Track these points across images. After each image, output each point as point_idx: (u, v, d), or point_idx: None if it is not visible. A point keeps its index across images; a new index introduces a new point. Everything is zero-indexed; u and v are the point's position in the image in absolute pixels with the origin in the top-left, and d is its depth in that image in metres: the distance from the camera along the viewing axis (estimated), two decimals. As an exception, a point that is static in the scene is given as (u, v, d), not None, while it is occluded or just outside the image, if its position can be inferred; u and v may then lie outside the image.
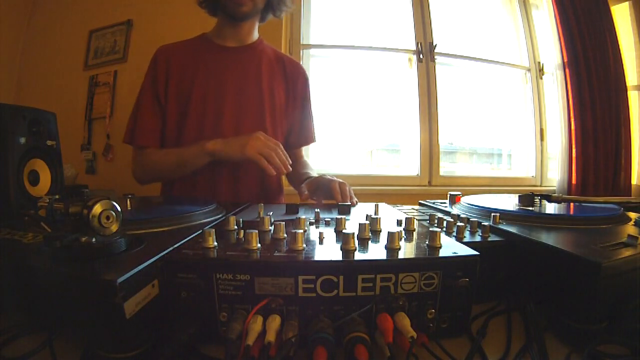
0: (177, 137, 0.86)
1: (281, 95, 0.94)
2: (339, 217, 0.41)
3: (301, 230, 0.32)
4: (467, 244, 0.34)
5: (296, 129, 0.99)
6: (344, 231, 0.37)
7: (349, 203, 0.63)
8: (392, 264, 0.29)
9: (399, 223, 0.44)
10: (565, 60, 1.70)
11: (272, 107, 0.92)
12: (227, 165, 0.85)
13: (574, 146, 1.70)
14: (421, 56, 1.74)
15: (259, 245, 0.32)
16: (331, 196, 0.70)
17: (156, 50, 0.90)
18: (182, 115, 0.86)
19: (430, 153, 1.74)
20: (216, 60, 0.89)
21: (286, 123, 0.97)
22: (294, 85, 0.97)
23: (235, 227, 0.40)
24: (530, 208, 0.56)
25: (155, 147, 0.87)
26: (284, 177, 1.01)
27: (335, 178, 0.75)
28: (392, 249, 0.31)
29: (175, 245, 0.33)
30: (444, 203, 0.69)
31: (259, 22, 0.95)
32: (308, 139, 1.01)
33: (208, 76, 0.87)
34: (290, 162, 0.73)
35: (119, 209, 0.30)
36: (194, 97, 0.85)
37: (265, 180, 0.92)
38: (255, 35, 0.95)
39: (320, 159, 1.70)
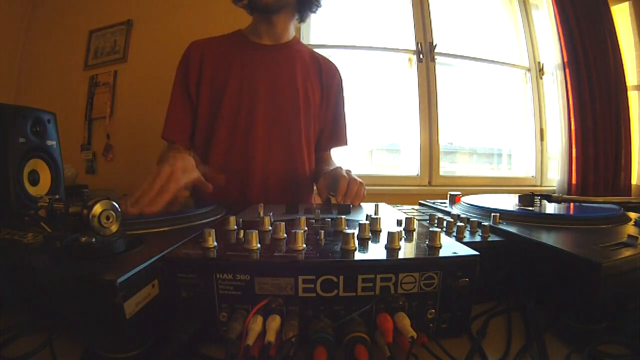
0: (208, 135, 0.85)
1: (316, 96, 0.93)
2: (339, 217, 0.41)
3: (301, 230, 0.32)
4: (467, 244, 0.34)
5: (328, 131, 0.98)
6: (344, 231, 0.37)
7: (348, 204, 0.62)
8: (392, 264, 0.29)
9: (399, 223, 0.44)
10: (565, 60, 1.70)
11: (307, 106, 0.91)
12: (258, 165, 0.84)
13: (574, 146, 1.70)
14: (421, 56, 1.74)
15: (259, 245, 0.32)
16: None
17: (189, 45, 0.89)
18: (214, 114, 0.84)
19: (430, 153, 1.74)
20: (250, 57, 0.87)
21: (319, 124, 0.96)
22: (328, 86, 0.96)
23: (235, 227, 0.40)
24: (530, 208, 0.56)
25: (183, 144, 0.85)
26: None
27: (349, 175, 0.70)
28: (392, 249, 0.31)
29: (175, 245, 0.33)
30: (444, 203, 0.69)
31: (298, 21, 0.95)
32: (340, 140, 1.00)
33: (242, 73, 0.86)
34: (157, 210, 0.48)
35: (118, 209, 0.30)
36: (227, 94, 0.84)
37: (298, 181, 0.91)
38: (291, 34, 0.94)
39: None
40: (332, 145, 1.00)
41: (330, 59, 1.01)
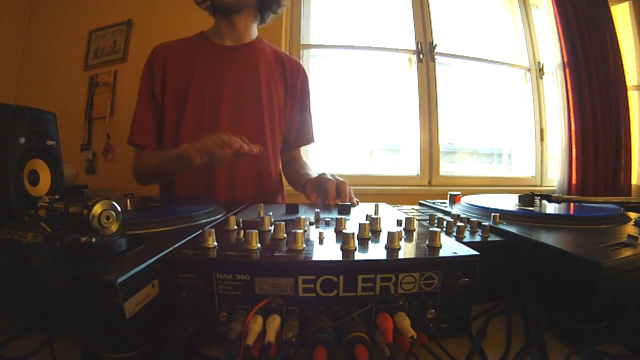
0: (174, 137, 0.85)
1: (280, 95, 0.94)
2: (339, 217, 0.41)
3: (301, 230, 0.32)
4: (467, 244, 0.34)
5: (295, 129, 0.99)
6: (344, 231, 0.37)
7: (349, 203, 0.63)
8: (392, 264, 0.29)
9: (399, 223, 0.44)
10: (565, 60, 1.70)
11: (271, 106, 0.91)
12: (224, 165, 0.85)
13: (574, 146, 1.70)
14: (421, 56, 1.74)
15: (259, 245, 0.32)
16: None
17: (153, 49, 0.90)
18: (179, 115, 0.85)
19: (430, 153, 1.74)
20: (213, 59, 0.88)
21: (285, 123, 0.97)
22: (292, 84, 0.96)
23: (235, 227, 0.40)
24: (530, 208, 0.56)
25: (152, 147, 0.86)
26: (283, 177, 1.01)
27: (334, 177, 0.72)
28: (392, 249, 0.31)
29: (175, 245, 0.33)
30: (444, 203, 0.69)
31: (260, 22, 0.95)
32: (307, 139, 1.01)
33: (205, 75, 0.86)
34: (254, 148, 0.62)
35: (119, 209, 0.30)
36: (190, 96, 0.85)
37: (264, 180, 0.92)
38: (254, 34, 0.95)
39: (321, 158, 1.71)
40: (301, 143, 1.01)
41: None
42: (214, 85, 0.86)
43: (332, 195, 0.67)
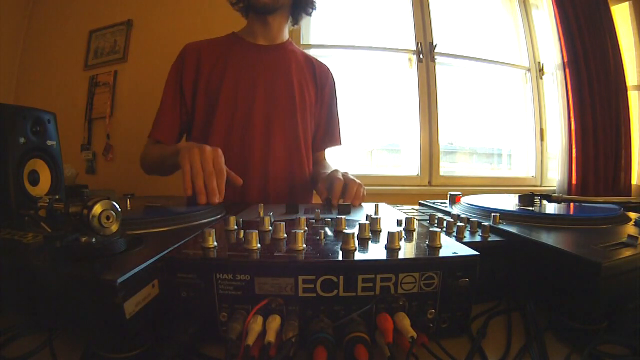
0: (204, 135, 0.85)
1: (312, 96, 0.94)
2: (339, 217, 0.41)
3: (301, 230, 0.32)
4: (467, 244, 0.34)
5: (322, 131, 0.99)
6: (344, 231, 0.37)
7: (349, 203, 0.62)
8: (392, 264, 0.29)
9: (399, 223, 0.44)
10: (565, 60, 1.70)
11: (303, 105, 0.91)
12: (256, 164, 0.85)
13: (574, 146, 1.70)
14: (421, 56, 1.74)
15: (259, 245, 0.32)
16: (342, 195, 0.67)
17: (184, 47, 0.90)
18: (211, 114, 0.85)
19: (430, 153, 1.74)
20: (247, 57, 0.88)
21: (314, 123, 0.97)
22: (322, 87, 0.97)
23: (235, 227, 0.40)
24: (530, 208, 0.56)
25: (171, 144, 0.86)
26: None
27: (345, 176, 0.70)
28: (392, 249, 0.31)
29: (175, 245, 0.33)
30: (444, 203, 0.69)
31: (292, 23, 0.96)
32: (333, 140, 1.01)
33: (239, 72, 0.86)
34: (221, 199, 0.59)
35: (119, 209, 0.30)
36: (223, 94, 0.84)
37: (296, 180, 0.91)
38: (286, 35, 0.96)
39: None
40: (327, 145, 1.01)
41: (325, 61, 1.03)
42: (247, 84, 0.86)
43: (336, 195, 0.65)
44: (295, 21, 0.96)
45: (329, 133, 1.00)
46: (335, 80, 1.01)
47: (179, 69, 0.87)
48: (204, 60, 0.87)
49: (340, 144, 1.02)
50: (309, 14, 0.95)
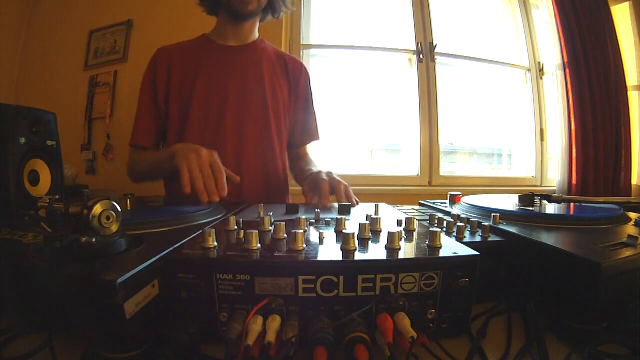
0: (178, 139, 0.86)
1: (284, 94, 0.94)
2: (339, 217, 0.41)
3: (301, 230, 0.32)
4: (467, 244, 0.34)
5: (299, 127, 0.99)
6: (344, 231, 0.37)
7: (349, 203, 0.62)
8: (392, 264, 0.29)
9: (399, 223, 0.44)
10: (565, 60, 1.70)
11: (275, 105, 0.91)
12: (230, 165, 0.84)
13: (574, 146, 1.70)
14: (421, 56, 1.74)
15: (259, 245, 0.32)
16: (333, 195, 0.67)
17: (155, 52, 0.90)
18: (184, 117, 0.85)
19: (430, 153, 1.74)
20: (217, 60, 0.88)
21: (289, 121, 0.97)
22: (296, 83, 0.96)
23: (235, 227, 0.40)
24: (530, 208, 0.56)
25: (151, 149, 0.87)
26: (290, 176, 1.01)
27: (330, 176, 0.70)
28: (392, 249, 0.31)
29: (175, 245, 0.33)
30: (444, 203, 0.69)
31: (259, 21, 0.95)
32: (312, 136, 1.01)
33: (210, 76, 0.87)
34: (225, 193, 0.60)
35: (118, 209, 0.30)
36: (195, 97, 0.85)
37: (271, 179, 0.92)
38: (256, 34, 0.95)
39: (321, 158, 1.70)
40: (306, 140, 1.01)
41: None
42: (219, 86, 0.86)
43: (325, 195, 0.64)
44: (262, 19, 0.95)
45: (306, 128, 0.99)
46: (309, 75, 1.00)
47: (152, 73, 0.87)
48: (175, 64, 0.87)
49: (319, 138, 1.02)
50: (277, 17, 0.95)
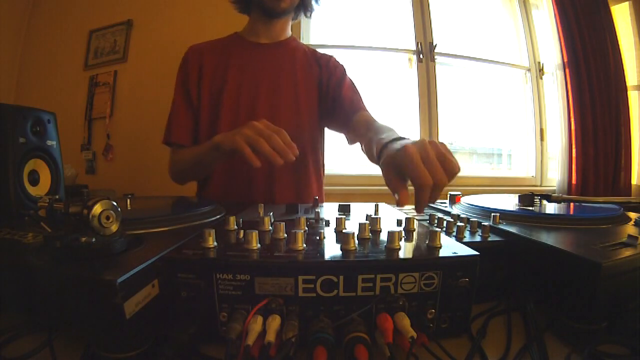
0: (210, 135, 0.84)
1: (316, 91, 0.92)
2: (339, 217, 0.41)
3: (301, 230, 0.32)
4: (467, 244, 0.34)
5: (346, 105, 0.89)
6: (344, 231, 0.37)
7: (349, 203, 0.58)
8: (392, 264, 0.29)
9: (399, 223, 0.44)
10: (565, 60, 1.70)
11: (308, 103, 0.90)
12: (263, 165, 0.79)
13: (574, 146, 1.70)
14: (421, 56, 1.74)
15: (259, 245, 0.32)
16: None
17: (187, 50, 0.90)
18: (215, 114, 0.85)
19: (430, 153, 1.73)
20: (249, 57, 0.88)
21: (334, 105, 0.90)
22: (329, 78, 0.93)
23: (235, 227, 0.40)
24: (530, 208, 0.57)
25: (188, 145, 0.85)
26: (322, 174, 0.96)
27: (425, 148, 0.39)
28: (392, 249, 0.31)
29: (176, 245, 0.33)
30: (444, 203, 0.69)
31: (292, 19, 0.95)
32: (359, 108, 0.89)
33: (241, 72, 0.86)
34: (296, 151, 0.55)
35: (118, 209, 0.30)
36: (226, 94, 0.84)
37: (301, 177, 0.90)
38: (289, 32, 0.95)
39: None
40: (355, 110, 0.87)
41: (330, 55, 1.00)
42: (250, 83, 0.86)
43: (421, 201, 0.40)
44: (295, 17, 0.95)
45: (354, 102, 0.89)
46: (345, 67, 0.97)
47: (184, 72, 0.87)
48: (206, 62, 0.87)
49: (366, 110, 0.89)
50: (309, 16, 0.95)
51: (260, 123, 0.57)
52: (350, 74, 0.98)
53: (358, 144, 0.79)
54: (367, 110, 0.88)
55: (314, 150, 0.94)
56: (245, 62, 0.87)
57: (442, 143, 0.41)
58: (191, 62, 0.87)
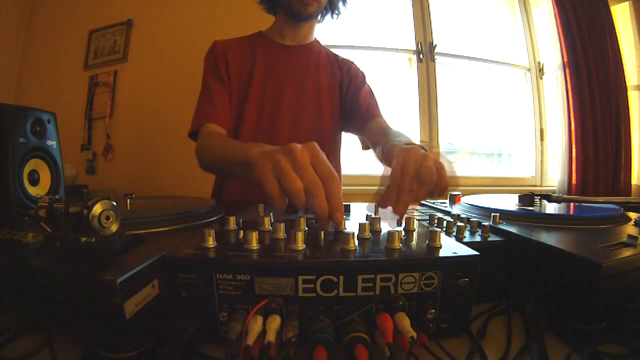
0: (234, 132, 0.84)
1: (339, 96, 0.93)
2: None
3: (301, 230, 0.32)
4: (467, 244, 0.34)
5: (363, 110, 0.90)
6: (344, 231, 0.37)
7: (349, 203, 0.55)
8: (392, 264, 0.29)
9: (398, 223, 0.44)
10: (565, 60, 1.70)
11: (331, 105, 0.90)
12: None
13: (574, 146, 1.70)
14: (421, 56, 1.74)
15: (259, 245, 0.32)
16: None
17: (212, 44, 0.88)
18: (240, 109, 0.84)
19: (430, 153, 1.74)
20: (274, 57, 0.88)
21: (352, 111, 0.91)
22: (349, 83, 0.94)
23: (235, 227, 0.40)
24: (530, 208, 0.56)
25: (223, 126, 0.80)
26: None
27: (413, 147, 0.43)
28: (392, 249, 0.31)
29: (176, 245, 0.33)
30: (444, 203, 0.69)
31: (317, 22, 0.95)
32: (375, 114, 0.90)
33: (267, 72, 0.86)
34: (341, 218, 0.35)
35: (118, 209, 0.30)
36: (251, 91, 0.84)
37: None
38: (313, 36, 0.95)
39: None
40: (371, 116, 0.89)
41: (351, 60, 1.01)
42: (274, 84, 0.86)
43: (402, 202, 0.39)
44: (322, 20, 0.95)
45: (370, 108, 0.90)
46: (365, 74, 0.98)
47: (213, 60, 0.85)
48: (232, 57, 0.85)
49: (381, 116, 0.91)
50: (335, 19, 0.95)
51: (307, 152, 0.36)
52: (370, 80, 1.00)
53: (371, 150, 0.83)
54: (382, 117, 0.90)
55: (334, 156, 0.94)
56: (270, 62, 0.87)
57: (435, 153, 0.43)
58: (218, 53, 0.85)
